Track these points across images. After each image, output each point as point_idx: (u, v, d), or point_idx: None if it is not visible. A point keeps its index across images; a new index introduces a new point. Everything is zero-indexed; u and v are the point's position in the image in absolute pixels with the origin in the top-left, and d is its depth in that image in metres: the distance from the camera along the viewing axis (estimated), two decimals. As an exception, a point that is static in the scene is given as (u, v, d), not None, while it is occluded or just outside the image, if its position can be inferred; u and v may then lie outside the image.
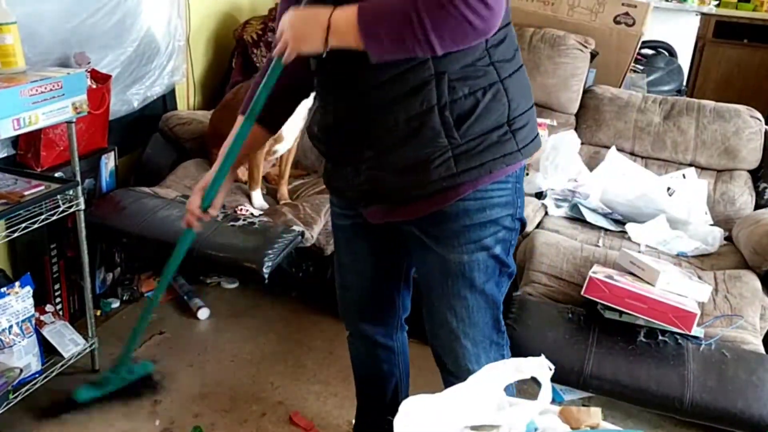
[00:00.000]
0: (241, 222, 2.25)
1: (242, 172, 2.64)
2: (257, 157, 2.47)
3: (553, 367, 0.91)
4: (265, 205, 2.51)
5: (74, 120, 1.94)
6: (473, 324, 1.37)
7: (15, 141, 2.16)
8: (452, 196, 1.24)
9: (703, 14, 4.74)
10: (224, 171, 1.39)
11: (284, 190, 2.63)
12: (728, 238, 2.47)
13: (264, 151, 2.47)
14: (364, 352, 1.73)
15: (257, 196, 2.52)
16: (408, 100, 1.16)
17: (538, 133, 1.30)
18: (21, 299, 1.93)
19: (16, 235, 1.83)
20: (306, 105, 2.49)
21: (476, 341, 1.38)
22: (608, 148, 2.77)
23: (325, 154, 1.38)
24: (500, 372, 0.91)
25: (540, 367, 0.91)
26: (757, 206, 2.58)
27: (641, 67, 3.62)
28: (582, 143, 2.80)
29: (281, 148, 2.55)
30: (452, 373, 1.42)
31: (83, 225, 2.06)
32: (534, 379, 0.92)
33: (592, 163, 2.74)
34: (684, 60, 4.26)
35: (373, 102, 1.20)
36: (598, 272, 1.94)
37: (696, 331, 1.87)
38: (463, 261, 1.30)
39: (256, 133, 1.39)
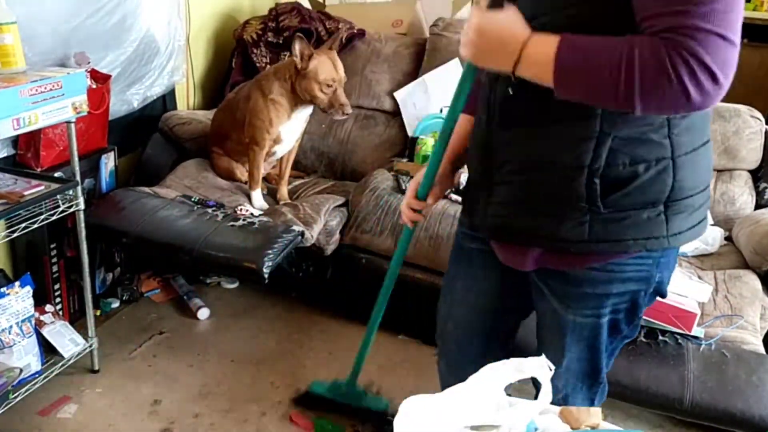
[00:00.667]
0: (241, 222, 2.25)
1: (242, 173, 2.65)
2: (257, 158, 2.47)
3: (553, 367, 0.91)
4: (265, 205, 2.51)
5: (74, 120, 1.94)
6: (568, 370, 1.29)
7: (15, 141, 2.16)
8: (579, 263, 1.13)
9: (703, 14, 4.74)
10: (437, 158, 1.31)
11: (284, 190, 2.63)
12: (728, 238, 2.47)
13: (264, 152, 2.47)
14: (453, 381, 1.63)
15: (257, 196, 2.52)
16: (560, 150, 1.05)
17: (704, 220, 1.12)
18: (21, 299, 1.93)
19: (16, 235, 1.82)
20: (307, 111, 2.51)
21: (567, 383, 1.31)
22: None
23: (469, 170, 1.30)
24: (500, 372, 0.91)
25: (540, 367, 0.91)
26: (757, 206, 2.57)
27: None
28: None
29: (280, 150, 2.55)
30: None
31: (83, 225, 2.06)
32: (534, 379, 0.92)
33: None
34: (684, 60, 4.26)
35: (519, 136, 1.11)
36: (599, 272, 1.93)
37: (696, 331, 1.87)
38: (576, 321, 1.21)
39: (462, 122, 1.30)
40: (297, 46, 2.29)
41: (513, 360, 0.93)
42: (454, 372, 1.51)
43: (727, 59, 0.86)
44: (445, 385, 1.58)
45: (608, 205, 1.05)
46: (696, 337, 1.87)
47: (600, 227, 1.07)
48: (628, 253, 1.09)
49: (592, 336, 1.22)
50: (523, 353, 0.99)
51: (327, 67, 2.33)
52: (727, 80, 0.87)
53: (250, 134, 2.46)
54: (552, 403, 1.24)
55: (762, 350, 1.90)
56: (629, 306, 1.18)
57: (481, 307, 1.40)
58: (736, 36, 0.87)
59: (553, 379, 1.29)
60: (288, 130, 2.49)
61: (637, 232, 1.06)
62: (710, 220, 2.56)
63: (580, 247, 1.09)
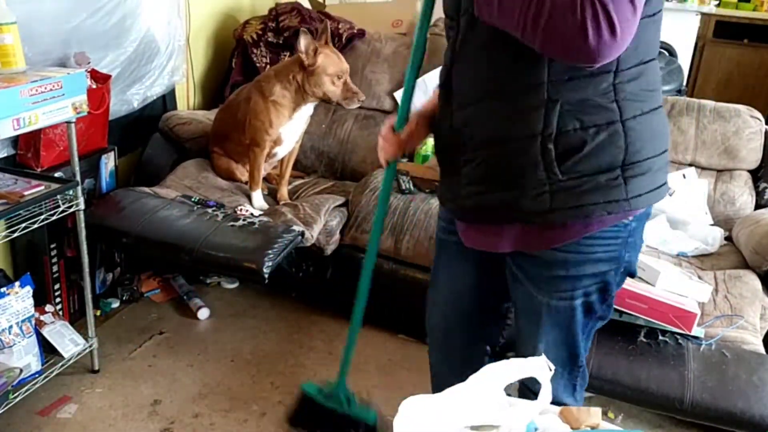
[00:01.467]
0: (241, 222, 2.25)
1: (242, 173, 2.65)
2: (257, 159, 2.47)
3: (553, 367, 0.91)
4: (265, 206, 2.51)
5: (74, 120, 1.94)
6: (546, 356, 1.31)
7: (15, 141, 2.16)
8: (549, 242, 1.16)
9: (703, 14, 4.74)
10: (409, 86, 1.36)
11: (284, 190, 2.63)
12: (728, 238, 2.47)
13: (264, 153, 2.47)
14: (443, 373, 1.59)
15: (257, 196, 2.52)
16: (512, 122, 1.09)
17: (663, 184, 1.15)
18: (21, 299, 1.93)
19: (16, 235, 1.82)
20: (308, 112, 2.51)
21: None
22: (608, 148, 2.77)
23: (438, 159, 1.33)
24: (500, 372, 0.91)
25: (540, 368, 0.91)
26: (757, 206, 2.57)
27: (641, 67, 3.61)
28: (582, 143, 2.79)
29: (281, 151, 2.56)
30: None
31: (83, 225, 2.06)
32: (533, 379, 0.92)
33: (592, 163, 2.74)
34: (684, 60, 4.26)
35: (476, 114, 1.15)
36: (598, 272, 1.94)
37: (696, 331, 1.87)
38: (550, 304, 1.23)
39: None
40: (303, 42, 2.30)
41: (513, 360, 0.93)
42: (443, 362, 1.55)
43: (629, 19, 0.90)
44: (435, 377, 1.60)
45: (565, 171, 1.08)
46: (696, 337, 1.87)
47: (561, 195, 1.09)
48: (589, 220, 1.11)
49: (568, 318, 1.25)
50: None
51: (334, 60, 2.36)
52: (623, 39, 0.91)
53: (251, 135, 2.46)
54: (533, 391, 1.25)
55: (762, 350, 1.90)
56: (602, 286, 1.21)
57: (463, 296, 1.44)
58: (640, 6, 0.92)
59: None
60: (288, 131, 2.49)
61: (597, 196, 1.09)
62: (710, 220, 2.56)
63: (545, 218, 1.11)
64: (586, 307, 1.23)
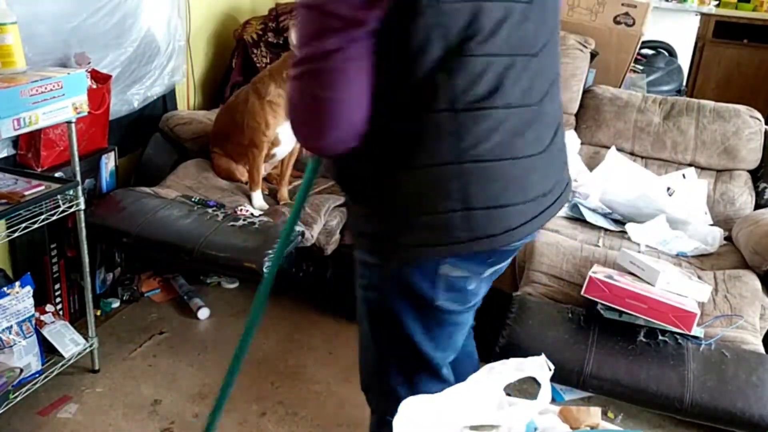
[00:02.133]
0: (241, 222, 2.25)
1: (242, 173, 2.65)
2: (256, 160, 2.47)
3: (553, 367, 0.91)
4: (265, 206, 2.52)
5: (74, 120, 1.94)
6: (361, 356, 1.36)
7: (15, 141, 2.16)
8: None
9: (702, 14, 4.74)
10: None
11: (284, 191, 2.63)
12: (728, 238, 2.47)
13: (262, 154, 2.47)
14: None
15: (257, 196, 2.52)
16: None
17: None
18: (21, 299, 1.93)
19: (16, 235, 1.83)
20: (290, 134, 2.52)
21: (363, 372, 1.37)
22: (608, 148, 2.78)
23: None
24: (500, 372, 0.91)
25: (540, 368, 0.91)
26: (757, 206, 2.58)
27: (641, 67, 3.62)
28: (582, 143, 2.80)
29: (280, 152, 2.56)
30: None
31: (83, 225, 2.06)
32: (534, 379, 0.92)
33: (591, 164, 2.74)
34: (684, 60, 4.26)
35: None
36: (598, 272, 1.94)
37: (696, 331, 1.87)
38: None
39: None
40: (293, 35, 2.28)
41: (513, 360, 0.93)
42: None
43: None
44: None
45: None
46: (696, 337, 1.88)
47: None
48: None
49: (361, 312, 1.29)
50: (523, 353, 0.99)
51: None
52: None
53: (249, 136, 2.47)
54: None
55: (762, 350, 1.90)
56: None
57: None
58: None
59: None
60: (287, 132, 2.49)
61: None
62: (710, 220, 2.56)
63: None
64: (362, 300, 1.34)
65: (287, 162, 2.63)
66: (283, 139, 2.50)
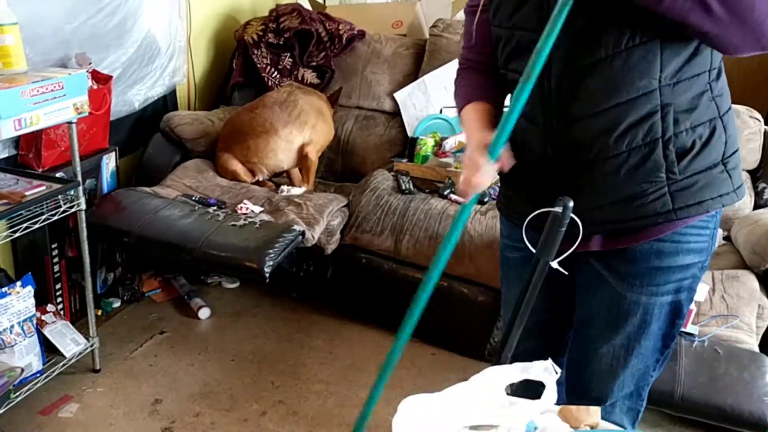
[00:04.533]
0: (242, 222, 2.26)
1: (246, 174, 2.67)
2: (315, 162, 2.68)
3: (559, 370, 0.91)
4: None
5: (75, 120, 1.94)
6: (626, 366, 1.28)
7: (16, 141, 2.17)
8: (646, 234, 1.16)
9: (702, 14, 4.73)
10: (514, 116, 1.11)
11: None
12: (727, 238, 2.48)
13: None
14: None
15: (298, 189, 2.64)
16: (631, 131, 1.10)
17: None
18: (22, 299, 1.94)
19: (17, 235, 1.83)
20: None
21: (623, 385, 1.30)
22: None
23: (511, 174, 1.23)
24: (504, 373, 0.92)
25: (545, 371, 0.91)
26: (756, 206, 2.58)
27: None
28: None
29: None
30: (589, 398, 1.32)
31: (84, 225, 2.06)
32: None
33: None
34: (683, 60, 4.25)
35: (588, 129, 1.12)
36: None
37: (690, 328, 1.89)
38: (641, 302, 1.21)
39: (481, 107, 1.28)
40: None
41: (519, 363, 0.93)
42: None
43: None
44: None
45: (682, 171, 1.11)
46: (690, 334, 1.89)
47: (680, 194, 1.12)
48: (709, 213, 1.15)
49: (657, 322, 1.22)
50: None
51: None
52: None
53: (313, 138, 2.67)
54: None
55: (756, 349, 1.91)
56: (690, 282, 1.21)
57: (535, 312, 1.29)
58: None
59: (603, 382, 1.27)
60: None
61: (713, 191, 1.13)
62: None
63: (668, 216, 1.13)
64: (675, 308, 1.22)
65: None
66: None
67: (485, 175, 1.13)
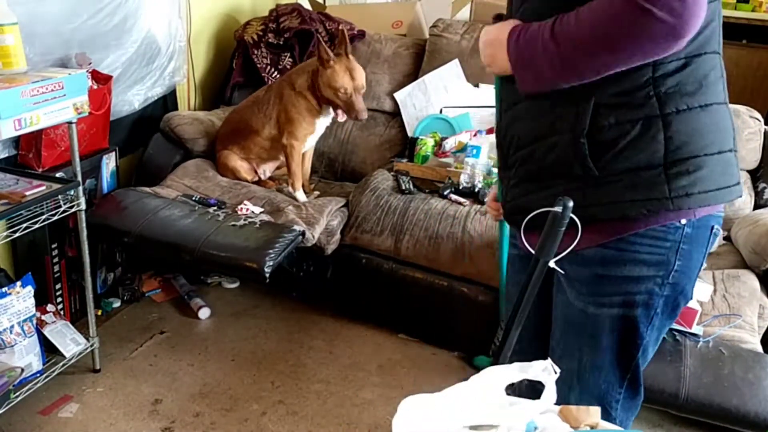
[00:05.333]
0: (242, 222, 2.26)
1: (248, 173, 2.68)
2: (297, 152, 2.58)
3: (558, 370, 0.91)
4: (307, 200, 2.59)
5: (75, 120, 1.94)
6: (582, 380, 1.21)
7: (16, 141, 2.17)
8: (589, 240, 1.08)
9: (702, 14, 4.73)
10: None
11: (307, 184, 2.72)
12: (727, 238, 2.48)
13: (302, 146, 2.59)
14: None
15: (301, 194, 2.59)
16: (545, 119, 1.08)
17: (724, 188, 1.07)
18: (22, 299, 1.94)
19: (17, 235, 1.83)
20: (324, 123, 2.58)
21: (581, 401, 1.21)
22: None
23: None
24: (503, 373, 0.92)
25: (544, 371, 0.91)
26: (756, 206, 2.58)
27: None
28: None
29: (310, 143, 2.68)
30: None
31: (84, 225, 2.06)
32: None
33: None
34: (683, 60, 4.25)
35: (517, 114, 1.15)
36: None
37: (695, 328, 1.89)
38: (588, 311, 1.15)
39: None
40: (320, 49, 2.41)
41: (517, 363, 0.93)
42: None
43: None
44: None
45: (601, 168, 1.05)
46: (694, 334, 1.89)
47: (595, 191, 1.06)
48: (629, 216, 1.05)
49: (609, 337, 1.16)
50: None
51: (340, 76, 2.42)
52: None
53: (288, 130, 2.55)
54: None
55: (760, 349, 1.91)
56: (645, 298, 1.12)
57: (533, 313, 1.28)
58: None
59: (562, 395, 1.17)
60: (321, 124, 2.61)
61: (635, 193, 1.04)
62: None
63: (580, 212, 1.02)
64: (626, 323, 1.14)
65: (307, 156, 2.71)
66: (318, 129, 2.60)
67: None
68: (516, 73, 1.07)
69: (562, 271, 1.12)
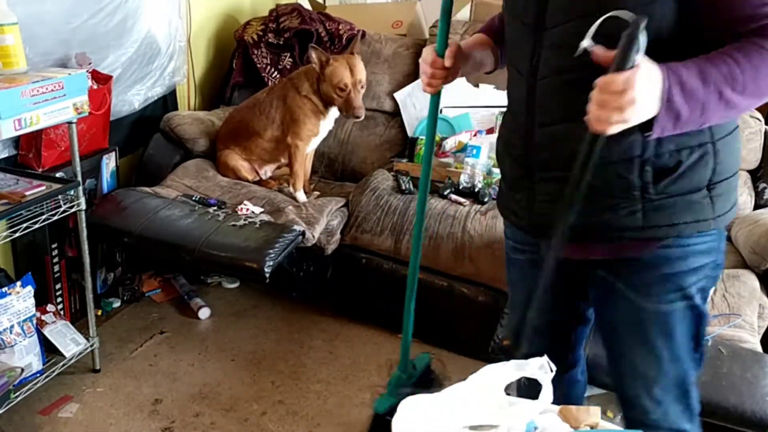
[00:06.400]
0: (242, 222, 2.26)
1: (249, 172, 2.68)
2: (301, 153, 2.58)
3: (554, 367, 0.91)
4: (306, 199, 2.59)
5: (75, 120, 1.94)
6: (662, 373, 1.26)
7: (16, 141, 2.17)
8: (651, 245, 1.15)
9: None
10: (446, 6, 1.36)
11: (308, 185, 2.71)
12: (727, 238, 2.47)
13: (307, 147, 2.59)
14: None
15: (302, 195, 2.58)
16: (609, 144, 1.02)
17: (736, 202, 1.18)
18: (22, 299, 1.94)
19: (17, 235, 1.83)
20: (327, 127, 2.60)
21: (666, 390, 1.27)
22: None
23: (503, 174, 1.32)
24: (501, 372, 0.92)
25: (541, 369, 0.91)
26: (756, 206, 2.58)
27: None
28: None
29: (313, 145, 2.67)
30: (637, 422, 1.31)
31: (84, 225, 2.06)
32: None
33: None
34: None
35: (556, 134, 1.13)
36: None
37: (695, 328, 1.88)
38: (660, 311, 1.19)
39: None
40: (314, 56, 2.44)
41: (514, 361, 0.93)
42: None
43: None
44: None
45: (659, 191, 1.10)
46: (694, 334, 1.88)
47: (654, 214, 1.11)
48: (681, 236, 1.13)
49: (681, 327, 1.21)
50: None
51: (340, 72, 2.43)
52: None
53: (293, 130, 2.55)
54: (648, 424, 1.24)
55: (759, 349, 1.91)
56: (706, 283, 1.20)
57: (545, 311, 1.30)
58: None
59: (645, 394, 1.26)
60: (324, 127, 2.61)
61: (688, 215, 1.11)
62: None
63: (637, 234, 1.12)
64: (694, 309, 1.20)
65: (308, 158, 2.70)
66: (322, 131, 2.61)
67: (432, 67, 1.40)
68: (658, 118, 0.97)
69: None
